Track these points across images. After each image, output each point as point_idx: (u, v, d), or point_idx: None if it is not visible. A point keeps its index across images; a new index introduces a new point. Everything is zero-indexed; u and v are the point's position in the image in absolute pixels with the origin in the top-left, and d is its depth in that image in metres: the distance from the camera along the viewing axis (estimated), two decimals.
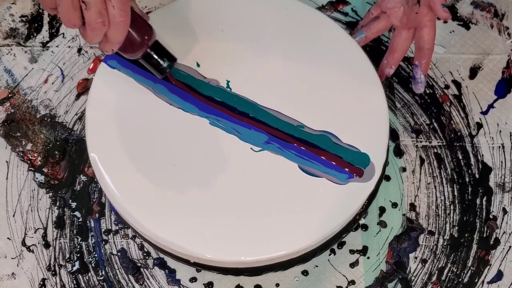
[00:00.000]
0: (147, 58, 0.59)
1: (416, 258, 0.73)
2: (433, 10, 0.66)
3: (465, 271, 0.73)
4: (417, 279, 0.72)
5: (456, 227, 0.74)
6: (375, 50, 0.80)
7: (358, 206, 0.60)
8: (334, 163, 0.61)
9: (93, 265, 0.73)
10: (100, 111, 0.63)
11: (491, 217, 0.75)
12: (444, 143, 0.77)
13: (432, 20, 0.67)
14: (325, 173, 0.60)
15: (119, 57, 0.64)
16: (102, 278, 0.73)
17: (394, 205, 0.75)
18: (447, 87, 0.80)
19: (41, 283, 0.72)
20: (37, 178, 0.76)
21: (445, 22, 0.82)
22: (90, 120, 0.62)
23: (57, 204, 0.75)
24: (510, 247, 0.74)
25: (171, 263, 0.73)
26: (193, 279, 0.72)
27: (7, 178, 0.76)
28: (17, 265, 0.73)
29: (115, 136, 0.62)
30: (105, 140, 0.62)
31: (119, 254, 0.73)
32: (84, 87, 0.79)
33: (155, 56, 0.58)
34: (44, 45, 0.81)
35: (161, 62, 0.59)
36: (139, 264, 0.73)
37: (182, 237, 0.59)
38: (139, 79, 0.64)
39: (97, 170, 0.61)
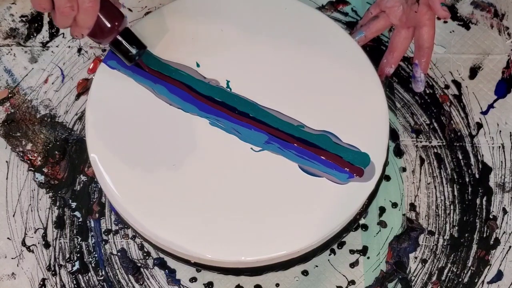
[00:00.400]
0: (116, 44, 0.60)
1: (416, 258, 0.73)
2: (432, 9, 0.66)
3: (465, 271, 0.73)
4: (417, 279, 0.72)
5: (456, 227, 0.74)
6: (375, 50, 0.80)
7: (358, 206, 0.60)
8: (334, 163, 0.61)
9: (93, 265, 0.73)
10: (100, 111, 0.63)
11: (491, 217, 0.75)
12: (444, 143, 0.77)
13: (432, 18, 0.67)
14: (325, 172, 0.60)
15: (119, 58, 0.64)
16: (102, 278, 0.72)
17: (394, 205, 0.75)
18: (447, 87, 0.80)
19: (41, 283, 0.72)
20: (37, 178, 0.76)
21: (445, 22, 0.82)
22: (90, 121, 0.62)
23: (57, 204, 0.75)
24: (510, 247, 0.74)
25: (171, 263, 0.73)
26: (193, 279, 0.72)
27: (7, 178, 0.76)
28: (17, 265, 0.73)
29: (115, 136, 0.62)
30: (105, 140, 0.62)
31: (119, 254, 0.73)
32: (84, 87, 0.79)
33: (124, 43, 0.60)
34: (44, 45, 0.81)
35: (130, 49, 0.60)
36: (139, 264, 0.73)
37: (182, 237, 0.58)
38: (139, 79, 0.64)
39: (97, 170, 0.61)
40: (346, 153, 0.61)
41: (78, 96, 0.79)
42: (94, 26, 0.56)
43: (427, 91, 0.79)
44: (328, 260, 0.73)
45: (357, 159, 0.61)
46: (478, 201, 0.75)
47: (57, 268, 0.73)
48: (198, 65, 0.65)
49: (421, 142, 0.77)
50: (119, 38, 0.59)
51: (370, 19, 0.73)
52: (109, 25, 0.58)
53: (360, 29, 0.72)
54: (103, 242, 0.74)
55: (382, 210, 0.75)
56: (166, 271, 0.73)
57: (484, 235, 0.74)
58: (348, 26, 0.82)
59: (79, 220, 0.74)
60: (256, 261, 0.59)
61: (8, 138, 0.77)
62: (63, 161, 0.77)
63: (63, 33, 0.82)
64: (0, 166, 0.76)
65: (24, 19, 0.82)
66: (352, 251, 0.73)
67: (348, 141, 0.61)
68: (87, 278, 0.72)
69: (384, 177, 0.74)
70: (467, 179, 0.76)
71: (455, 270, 0.73)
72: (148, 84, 0.64)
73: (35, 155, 0.77)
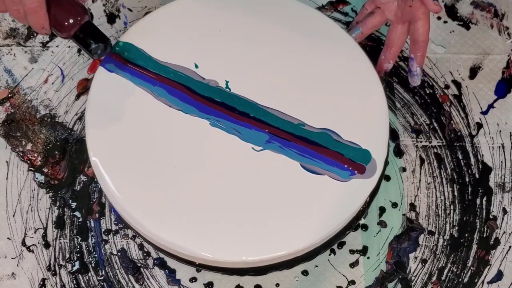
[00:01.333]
0: (77, 39, 0.61)
1: (416, 258, 0.73)
2: (424, 3, 0.66)
3: (465, 271, 0.73)
4: (417, 279, 0.72)
5: (456, 227, 0.74)
6: (375, 50, 0.80)
7: (360, 203, 0.60)
8: (335, 161, 0.61)
9: (93, 265, 0.73)
10: (100, 113, 0.63)
11: (491, 217, 0.75)
12: (444, 143, 0.77)
13: (426, 12, 0.67)
14: (327, 170, 0.60)
15: (117, 61, 0.64)
16: (102, 278, 0.72)
17: (394, 205, 0.75)
18: (447, 87, 0.80)
19: (41, 283, 0.72)
20: (37, 178, 0.76)
21: (445, 22, 0.82)
22: (90, 122, 0.62)
23: (57, 204, 0.75)
24: (510, 247, 0.74)
25: (171, 263, 0.73)
26: (193, 279, 0.72)
27: (7, 178, 0.76)
28: (17, 265, 0.73)
29: (116, 138, 0.62)
30: (105, 141, 0.62)
31: (119, 254, 0.73)
32: (84, 87, 0.79)
33: (85, 37, 0.61)
34: (44, 45, 0.81)
35: (92, 43, 0.61)
36: (139, 264, 0.73)
37: (184, 238, 0.58)
38: (138, 81, 0.64)
39: (98, 172, 0.61)
40: (347, 150, 0.61)
41: (78, 96, 0.79)
42: (54, 22, 0.58)
43: (427, 91, 0.79)
44: (328, 260, 0.73)
45: (358, 156, 0.61)
46: (478, 201, 0.75)
47: (57, 268, 0.73)
48: (196, 66, 0.64)
49: (421, 142, 0.77)
50: (79, 33, 0.60)
51: (366, 15, 0.73)
52: (69, 20, 0.59)
53: (356, 25, 0.73)
54: (103, 242, 0.74)
55: (382, 210, 0.75)
56: (166, 271, 0.73)
57: (484, 235, 0.74)
58: (348, 26, 0.82)
59: (79, 220, 0.74)
60: (259, 261, 0.58)
61: (8, 138, 0.77)
62: (63, 161, 0.77)
63: None
64: (0, 166, 0.76)
65: None
66: (352, 251, 0.73)
67: (349, 138, 0.61)
68: (87, 278, 0.72)
69: (384, 177, 0.74)
70: (467, 179, 0.76)
71: (455, 270, 0.73)
72: (147, 86, 0.63)
73: (35, 155, 0.77)
